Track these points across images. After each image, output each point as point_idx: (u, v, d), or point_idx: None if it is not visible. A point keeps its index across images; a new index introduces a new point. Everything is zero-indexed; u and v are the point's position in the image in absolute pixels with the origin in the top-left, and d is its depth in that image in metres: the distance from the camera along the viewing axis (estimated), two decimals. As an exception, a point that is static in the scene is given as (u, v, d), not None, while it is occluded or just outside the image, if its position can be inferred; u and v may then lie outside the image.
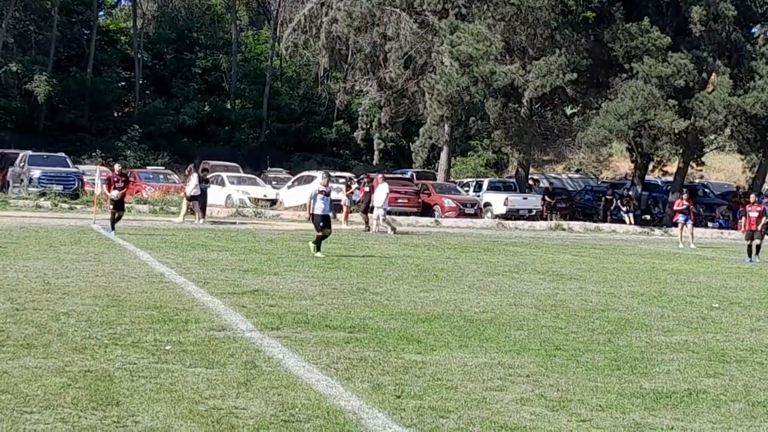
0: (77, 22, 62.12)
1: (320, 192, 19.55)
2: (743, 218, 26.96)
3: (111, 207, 24.35)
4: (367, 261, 18.86)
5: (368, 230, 30.38)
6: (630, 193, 44.24)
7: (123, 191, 24.58)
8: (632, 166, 49.75)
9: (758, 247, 24.99)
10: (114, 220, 23.71)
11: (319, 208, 19.43)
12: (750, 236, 25.11)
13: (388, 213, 31.46)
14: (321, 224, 19.38)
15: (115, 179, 24.50)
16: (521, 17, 41.61)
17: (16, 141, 46.66)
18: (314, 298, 12.53)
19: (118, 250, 18.60)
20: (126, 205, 26.94)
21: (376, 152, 47.61)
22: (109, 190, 24.53)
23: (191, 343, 8.75)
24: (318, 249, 19.24)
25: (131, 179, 25.89)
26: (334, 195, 36.63)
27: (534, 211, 41.48)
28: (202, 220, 30.36)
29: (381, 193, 30.49)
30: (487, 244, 26.44)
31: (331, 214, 20.34)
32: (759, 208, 25.57)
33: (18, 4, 55.68)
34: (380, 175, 32.92)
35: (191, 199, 30.65)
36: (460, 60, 39.79)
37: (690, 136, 42.15)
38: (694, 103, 40.03)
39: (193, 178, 30.58)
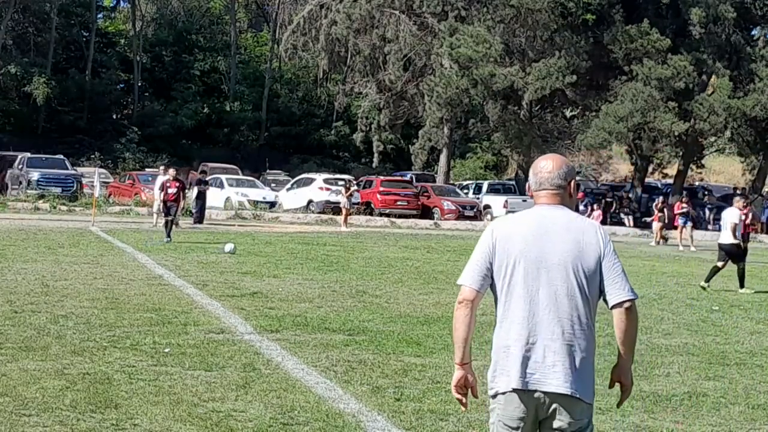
0: (76, 24, 62.09)
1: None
2: None
3: (163, 214, 22.96)
4: (367, 263, 18.84)
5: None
6: (630, 195, 44.23)
7: (171, 195, 22.98)
8: (632, 168, 49.72)
9: (745, 249, 25.04)
10: (169, 226, 22.23)
11: (729, 237, 17.09)
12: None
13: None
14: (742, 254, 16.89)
15: (168, 185, 23.41)
16: (521, 19, 41.60)
17: (14, 143, 46.61)
18: (313, 300, 12.52)
19: (117, 253, 18.59)
20: (125, 207, 26.64)
21: (375, 154, 47.56)
22: (162, 196, 23.34)
23: (190, 346, 8.73)
24: (707, 279, 16.58)
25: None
26: (333, 197, 37.23)
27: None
28: None
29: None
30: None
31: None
32: (745, 211, 25.74)
33: (17, 6, 55.67)
34: (162, 167, 31.84)
35: None
36: (459, 62, 39.77)
37: (690, 138, 42.12)
38: (693, 105, 40.01)
39: None
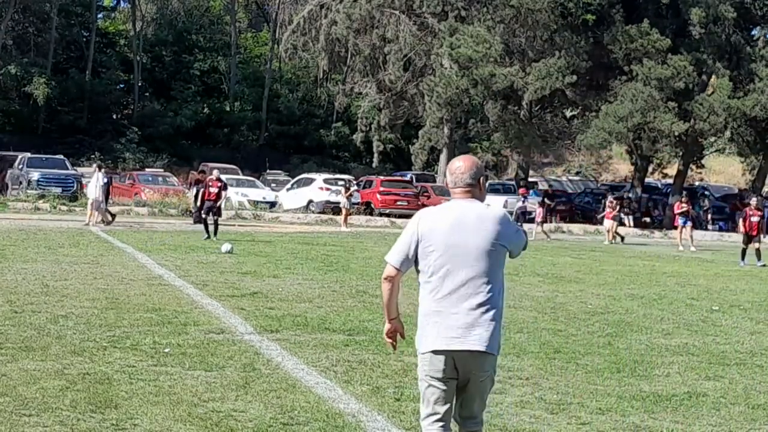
0: (76, 24, 62.08)
1: None
2: (741, 221, 26.80)
3: (203, 213, 23.91)
4: (367, 263, 18.84)
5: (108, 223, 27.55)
6: (630, 195, 44.22)
7: (213, 194, 23.63)
8: (632, 168, 49.71)
9: (758, 250, 24.80)
10: (207, 224, 23.25)
11: None
12: (748, 240, 24.96)
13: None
14: None
15: (210, 184, 24.06)
16: (521, 19, 41.60)
17: (14, 143, 46.60)
18: (313, 300, 12.51)
19: (117, 253, 18.58)
20: (125, 207, 26.50)
21: (375, 154, 47.59)
22: (203, 197, 24.05)
23: (190, 346, 8.73)
24: None
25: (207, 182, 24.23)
26: (333, 197, 37.22)
27: (533, 214, 41.43)
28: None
29: (94, 183, 29.04)
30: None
31: None
32: (760, 213, 25.52)
33: (17, 6, 55.66)
34: (95, 165, 31.42)
35: None
36: (459, 62, 39.77)
37: (690, 138, 42.12)
38: (693, 105, 40.00)
39: None
